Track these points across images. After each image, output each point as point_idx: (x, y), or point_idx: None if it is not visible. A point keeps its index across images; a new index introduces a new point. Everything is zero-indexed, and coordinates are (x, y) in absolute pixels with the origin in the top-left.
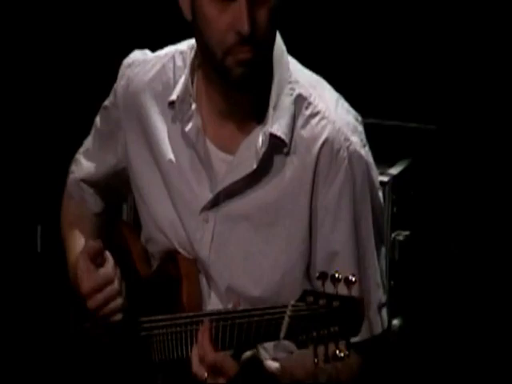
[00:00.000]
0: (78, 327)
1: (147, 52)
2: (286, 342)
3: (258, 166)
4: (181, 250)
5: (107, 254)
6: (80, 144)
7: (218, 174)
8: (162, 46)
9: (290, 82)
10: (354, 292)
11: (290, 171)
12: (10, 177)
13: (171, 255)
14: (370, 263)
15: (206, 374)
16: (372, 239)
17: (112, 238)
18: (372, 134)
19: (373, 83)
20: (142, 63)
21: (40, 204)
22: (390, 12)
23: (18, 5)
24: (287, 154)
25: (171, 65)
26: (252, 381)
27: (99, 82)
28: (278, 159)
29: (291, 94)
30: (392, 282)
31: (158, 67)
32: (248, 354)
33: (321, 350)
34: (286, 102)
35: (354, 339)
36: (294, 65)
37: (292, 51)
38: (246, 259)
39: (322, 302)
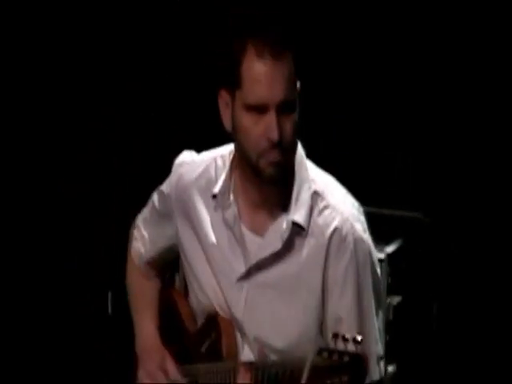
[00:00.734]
0: None
1: (194, 153)
2: None
3: (282, 246)
4: (220, 311)
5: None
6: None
7: (251, 252)
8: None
9: (307, 181)
10: (360, 350)
11: (307, 250)
12: (84, 248)
13: (212, 316)
14: (371, 324)
15: None
16: (372, 305)
17: (165, 301)
18: (372, 220)
19: (373, 179)
20: (191, 163)
21: (110, 272)
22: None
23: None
24: (305, 236)
25: (214, 165)
26: None
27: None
28: (298, 241)
29: (309, 190)
30: (387, 337)
31: (203, 167)
32: None
33: None
34: (305, 196)
35: None
36: (310, 166)
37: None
38: (271, 320)
39: (334, 356)
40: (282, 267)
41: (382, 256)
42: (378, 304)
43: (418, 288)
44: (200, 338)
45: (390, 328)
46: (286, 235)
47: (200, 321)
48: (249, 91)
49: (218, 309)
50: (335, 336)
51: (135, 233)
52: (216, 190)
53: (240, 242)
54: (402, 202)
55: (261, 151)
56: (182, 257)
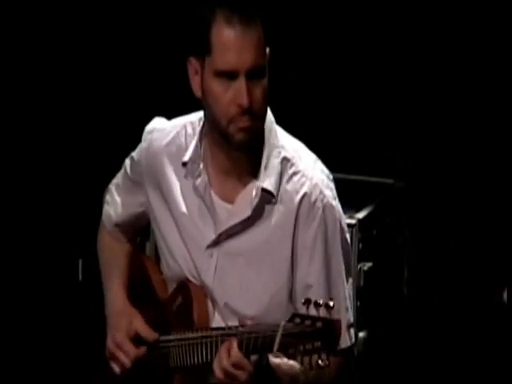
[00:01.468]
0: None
1: (164, 120)
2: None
3: (251, 213)
4: (191, 278)
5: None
6: (110, 178)
7: (220, 219)
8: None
9: (277, 147)
10: (333, 315)
11: (277, 217)
12: (55, 216)
13: (184, 282)
14: (340, 291)
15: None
16: (342, 272)
17: (136, 268)
18: (343, 186)
19: (344, 144)
20: (161, 130)
21: (81, 239)
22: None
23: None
24: (275, 203)
25: (184, 132)
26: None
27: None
28: (267, 208)
29: (278, 156)
30: (358, 303)
31: (173, 134)
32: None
33: (306, 360)
34: (275, 162)
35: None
36: (280, 133)
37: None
38: (241, 287)
39: (307, 322)
40: (251, 234)
41: (353, 222)
42: (348, 271)
43: (389, 254)
44: (171, 305)
45: (361, 294)
46: (255, 202)
47: (171, 287)
48: (218, 57)
49: (188, 276)
50: (307, 302)
51: (107, 197)
52: (186, 157)
53: (210, 209)
54: (374, 168)
55: (230, 117)
56: (153, 224)
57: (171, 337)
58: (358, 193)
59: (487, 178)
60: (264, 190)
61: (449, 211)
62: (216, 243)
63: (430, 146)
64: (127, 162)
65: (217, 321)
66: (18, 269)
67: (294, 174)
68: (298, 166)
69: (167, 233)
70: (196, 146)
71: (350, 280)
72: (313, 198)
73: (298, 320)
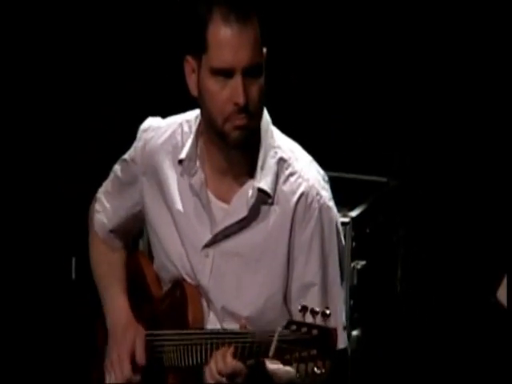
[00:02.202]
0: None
1: (159, 119)
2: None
3: (248, 213)
4: (186, 278)
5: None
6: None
7: (217, 219)
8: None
9: (273, 147)
10: (329, 323)
11: (274, 218)
12: (49, 215)
13: (179, 282)
14: (338, 292)
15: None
16: (338, 273)
17: (131, 265)
18: (337, 184)
19: (338, 143)
20: (156, 129)
21: (75, 238)
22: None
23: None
24: (271, 204)
25: (179, 130)
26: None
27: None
28: (264, 208)
29: (275, 157)
30: (352, 302)
31: (169, 132)
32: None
33: (302, 367)
34: (271, 163)
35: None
36: (276, 133)
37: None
38: (237, 287)
39: (303, 329)
40: (247, 235)
41: (346, 220)
42: (342, 273)
43: (383, 252)
44: (165, 304)
45: (354, 292)
46: (251, 202)
47: (165, 286)
48: (214, 55)
49: (184, 275)
50: (304, 309)
51: (96, 206)
52: (182, 155)
53: (206, 208)
54: (367, 167)
55: (227, 115)
56: (148, 223)
57: (166, 337)
58: (351, 191)
59: (482, 176)
60: (260, 190)
61: (443, 210)
62: (212, 243)
63: (424, 145)
64: (117, 167)
65: (212, 321)
66: (12, 267)
67: (291, 174)
68: (295, 167)
69: (163, 232)
70: (192, 144)
71: (343, 283)
72: (309, 199)
73: (294, 327)
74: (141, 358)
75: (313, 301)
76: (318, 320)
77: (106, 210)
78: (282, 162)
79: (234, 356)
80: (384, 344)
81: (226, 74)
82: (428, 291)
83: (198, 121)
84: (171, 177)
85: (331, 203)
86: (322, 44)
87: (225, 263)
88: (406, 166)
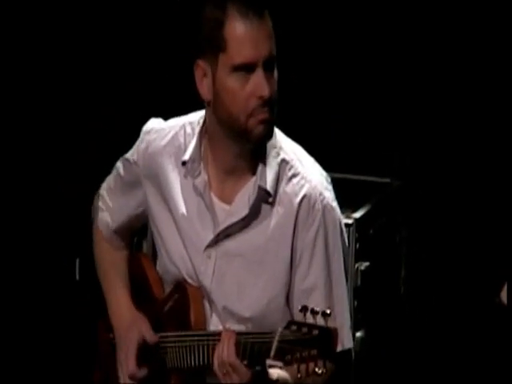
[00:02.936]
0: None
1: (161, 121)
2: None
3: (249, 212)
4: (188, 279)
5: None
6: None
7: (219, 220)
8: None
9: (275, 148)
10: (329, 323)
11: (276, 219)
12: (53, 216)
13: (180, 283)
14: (342, 293)
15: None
16: (342, 274)
17: (133, 267)
18: (340, 186)
19: (342, 144)
20: (159, 131)
21: (78, 239)
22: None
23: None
24: (273, 205)
25: (182, 132)
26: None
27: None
28: (265, 207)
29: (277, 157)
30: (355, 303)
31: (172, 134)
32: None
33: (303, 367)
34: (273, 162)
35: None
36: (279, 135)
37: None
38: (239, 288)
39: (304, 330)
40: (249, 235)
41: (349, 221)
42: (346, 275)
43: (386, 253)
44: (167, 305)
45: (358, 293)
46: (252, 200)
47: (168, 288)
48: (235, 52)
49: (186, 277)
50: (304, 309)
51: (100, 203)
52: (186, 156)
53: (210, 209)
54: (370, 168)
55: (250, 111)
56: (151, 224)
57: (169, 338)
58: (354, 192)
59: (485, 177)
60: (261, 189)
61: (446, 210)
62: (214, 244)
63: (427, 146)
64: (119, 164)
65: (214, 322)
66: (16, 268)
67: (294, 176)
68: (297, 169)
69: (166, 233)
70: (196, 146)
71: (347, 284)
72: (312, 200)
73: (294, 327)
74: (151, 337)
75: (316, 302)
76: (319, 320)
77: (109, 209)
78: (284, 163)
79: (236, 354)
80: (388, 345)
81: (247, 69)
82: (431, 292)
83: (201, 122)
84: (174, 178)
85: (334, 204)
86: (322, 44)
87: (227, 264)
88: (408, 166)
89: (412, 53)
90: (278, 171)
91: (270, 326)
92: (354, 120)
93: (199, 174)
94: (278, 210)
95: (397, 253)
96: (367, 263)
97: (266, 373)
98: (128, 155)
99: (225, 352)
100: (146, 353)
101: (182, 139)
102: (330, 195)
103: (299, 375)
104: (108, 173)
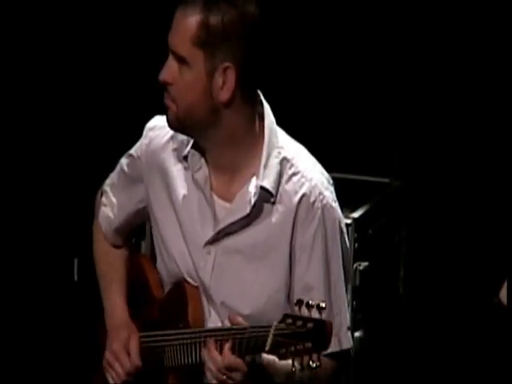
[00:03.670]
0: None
1: (165, 118)
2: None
3: (250, 211)
4: (187, 277)
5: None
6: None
7: (219, 217)
8: None
9: (277, 147)
10: (324, 316)
11: (276, 217)
12: (51, 216)
13: (179, 282)
14: (341, 292)
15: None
16: (341, 274)
17: (133, 267)
18: (339, 185)
19: (341, 144)
20: (162, 127)
21: (76, 238)
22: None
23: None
24: (274, 203)
25: None
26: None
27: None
28: (266, 207)
29: (278, 157)
30: (354, 303)
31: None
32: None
33: (298, 360)
34: (274, 162)
35: (326, 351)
36: (281, 133)
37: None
38: (239, 285)
39: (298, 323)
40: (250, 233)
41: (349, 221)
42: (346, 275)
43: (385, 253)
44: (166, 305)
45: (357, 293)
46: (253, 200)
47: (167, 287)
48: None
49: (185, 273)
50: (299, 302)
51: (103, 199)
52: (186, 151)
53: (210, 204)
54: (370, 168)
55: None
56: (152, 220)
57: (165, 337)
58: (353, 192)
59: (484, 177)
60: (263, 189)
61: (445, 210)
62: (214, 241)
63: (427, 146)
64: (123, 160)
65: (213, 320)
66: (14, 268)
67: (294, 174)
68: (298, 167)
69: (166, 229)
70: (196, 141)
71: (347, 285)
72: (312, 199)
73: (289, 320)
74: (136, 356)
75: (317, 301)
76: (314, 313)
77: (112, 204)
78: (285, 161)
79: (232, 349)
80: (387, 345)
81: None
82: (430, 292)
83: None
84: (176, 173)
85: (335, 204)
86: (322, 44)
87: (227, 261)
88: (408, 166)
89: (411, 53)
90: (280, 170)
91: (269, 322)
92: (353, 120)
93: (200, 168)
94: (278, 207)
95: (396, 253)
96: (366, 263)
97: (259, 359)
98: (132, 151)
99: (219, 358)
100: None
101: (183, 135)
102: (330, 195)
103: (294, 369)
104: (108, 173)
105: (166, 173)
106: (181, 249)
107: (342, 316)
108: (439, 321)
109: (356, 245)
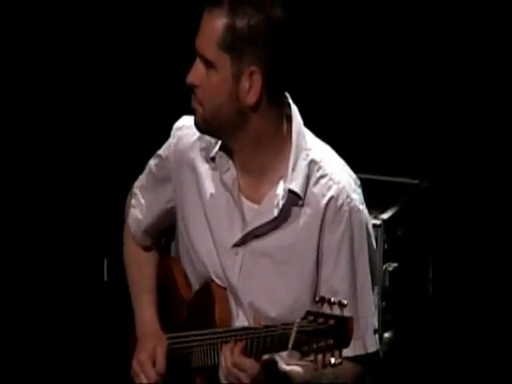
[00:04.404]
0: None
1: (192, 118)
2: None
3: (278, 215)
4: (214, 277)
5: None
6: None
7: (247, 218)
8: None
9: (305, 149)
10: (346, 313)
11: (303, 220)
12: (80, 216)
13: (206, 283)
14: (368, 295)
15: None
16: (368, 276)
17: (162, 270)
18: (369, 187)
19: (371, 145)
20: (190, 127)
21: (106, 238)
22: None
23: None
24: (302, 206)
25: None
26: (269, 378)
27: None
28: (294, 210)
29: (306, 159)
30: (384, 303)
31: None
32: (266, 357)
33: (320, 357)
34: (302, 164)
35: (350, 353)
36: (309, 135)
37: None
38: (265, 287)
39: (320, 320)
40: (277, 236)
41: (378, 222)
42: (373, 276)
43: (414, 254)
44: (194, 306)
45: (386, 294)
46: (282, 203)
47: (194, 288)
48: None
49: (212, 274)
50: (321, 300)
51: (133, 201)
52: (214, 152)
53: (238, 205)
54: (399, 169)
55: None
56: (179, 220)
57: (193, 337)
58: (383, 193)
59: None
60: (291, 192)
61: (474, 211)
62: (242, 243)
63: (456, 147)
64: (151, 161)
65: (241, 320)
66: (44, 270)
67: (322, 176)
68: (326, 170)
69: (194, 228)
70: (223, 142)
71: (375, 287)
72: (339, 202)
73: (311, 318)
74: (161, 365)
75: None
76: (335, 310)
77: (140, 205)
78: (313, 164)
79: (252, 352)
80: (416, 346)
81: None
82: (460, 293)
83: None
84: (204, 173)
85: (362, 207)
86: (323, 44)
87: (254, 263)
88: (437, 168)
89: (416, 52)
90: (308, 173)
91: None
92: (383, 121)
93: (228, 169)
94: (306, 210)
95: (425, 254)
96: (395, 264)
97: (275, 361)
98: (160, 151)
99: (228, 356)
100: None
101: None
102: (357, 197)
103: (316, 366)
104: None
105: (195, 172)
106: (208, 249)
107: (369, 319)
108: (468, 322)
109: (385, 246)
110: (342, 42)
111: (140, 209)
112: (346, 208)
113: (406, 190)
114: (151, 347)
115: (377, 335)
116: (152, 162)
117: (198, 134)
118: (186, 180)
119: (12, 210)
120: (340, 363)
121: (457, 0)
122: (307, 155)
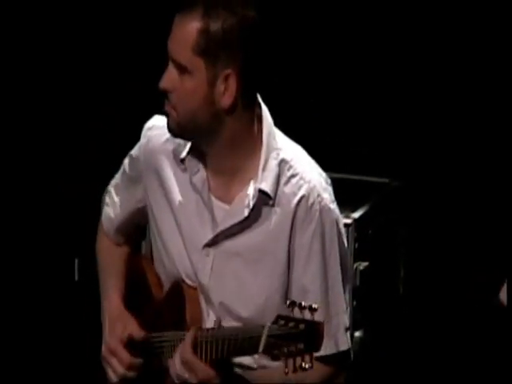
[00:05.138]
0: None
1: (164, 118)
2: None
3: (249, 214)
4: (185, 278)
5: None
6: (110, 178)
7: (218, 219)
8: None
9: (276, 149)
10: (316, 317)
11: (274, 219)
12: (52, 215)
13: (177, 283)
14: (339, 294)
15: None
16: (339, 275)
17: (133, 268)
18: (339, 186)
19: (340, 144)
20: (161, 127)
21: (77, 239)
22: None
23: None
24: (272, 205)
25: None
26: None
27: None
28: (265, 209)
29: (276, 158)
30: (355, 302)
31: None
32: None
33: (290, 362)
34: (272, 164)
35: (321, 353)
36: (279, 135)
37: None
38: (237, 287)
39: (291, 324)
40: (248, 236)
41: (348, 221)
42: (345, 275)
43: (385, 253)
44: (165, 306)
45: (357, 293)
46: (252, 203)
47: (166, 288)
48: None
49: (183, 274)
50: (292, 304)
51: (107, 199)
52: (184, 153)
53: (208, 206)
54: (369, 168)
55: None
56: (151, 220)
57: (164, 337)
58: (353, 192)
59: (484, 176)
60: (261, 192)
61: (445, 210)
62: (213, 243)
63: (426, 145)
64: (125, 161)
65: (211, 320)
66: (14, 268)
67: (292, 176)
68: (296, 169)
69: (165, 230)
70: (194, 144)
71: (347, 285)
72: (310, 201)
73: (282, 322)
74: (137, 333)
75: (313, 303)
76: (306, 315)
77: (114, 203)
78: (283, 163)
79: (223, 354)
80: (387, 345)
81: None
82: (430, 292)
83: None
84: (173, 175)
85: (333, 205)
86: (321, 44)
87: (225, 263)
88: (407, 166)
89: (412, 53)
90: (278, 172)
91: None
92: (353, 120)
93: (198, 171)
94: (277, 209)
95: (396, 253)
96: (366, 263)
97: (230, 365)
98: (132, 151)
99: (181, 349)
100: (139, 349)
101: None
102: (328, 196)
103: (286, 370)
104: (108, 173)
105: (162, 175)
106: (179, 249)
107: (340, 317)
108: (439, 321)
109: (356, 245)
110: (311, 40)
111: (113, 207)
112: (316, 207)
113: (376, 189)
114: (121, 329)
115: (348, 333)
116: (125, 162)
117: (167, 135)
118: (154, 182)
119: (6, 209)
120: (311, 367)
121: (456, 1)
122: (277, 155)
